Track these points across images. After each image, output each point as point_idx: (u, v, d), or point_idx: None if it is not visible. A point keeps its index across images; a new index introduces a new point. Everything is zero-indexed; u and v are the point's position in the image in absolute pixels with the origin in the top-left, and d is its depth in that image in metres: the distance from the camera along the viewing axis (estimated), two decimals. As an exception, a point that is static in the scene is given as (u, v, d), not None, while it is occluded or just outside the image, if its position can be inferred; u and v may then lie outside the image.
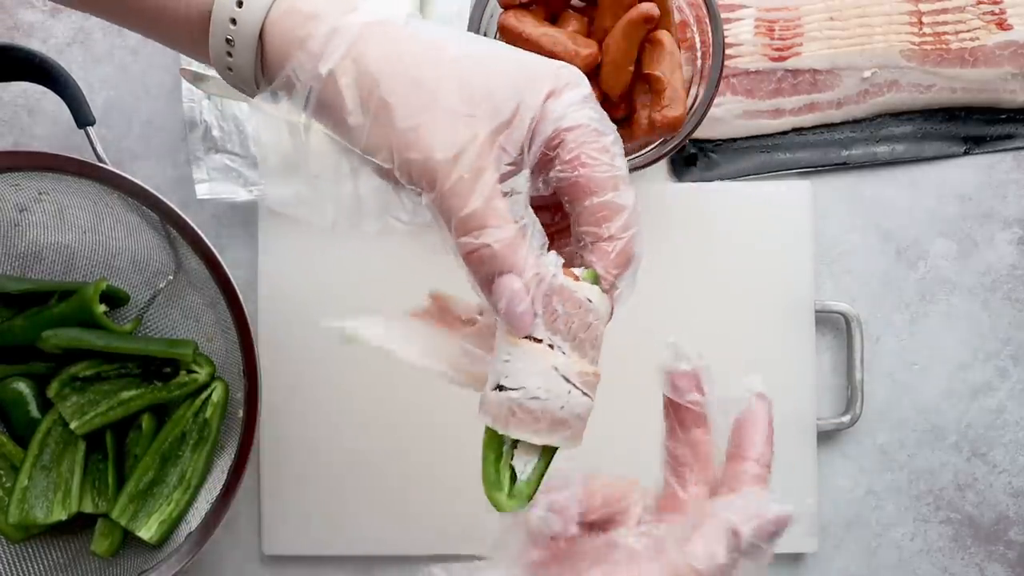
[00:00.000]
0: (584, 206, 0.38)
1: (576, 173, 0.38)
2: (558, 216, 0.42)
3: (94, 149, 0.58)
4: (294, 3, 0.38)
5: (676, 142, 0.57)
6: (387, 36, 0.38)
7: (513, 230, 0.37)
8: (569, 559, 0.36)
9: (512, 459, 0.37)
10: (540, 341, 0.36)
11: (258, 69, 0.40)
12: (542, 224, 0.41)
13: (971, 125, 0.65)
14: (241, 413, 0.58)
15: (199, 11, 0.39)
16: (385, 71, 0.37)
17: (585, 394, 0.37)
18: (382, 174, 0.40)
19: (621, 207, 0.38)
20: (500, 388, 0.37)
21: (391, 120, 0.37)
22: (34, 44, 0.63)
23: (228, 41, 0.39)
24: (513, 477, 0.37)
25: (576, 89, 0.39)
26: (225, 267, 0.57)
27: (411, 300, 0.62)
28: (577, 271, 0.38)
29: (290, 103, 0.40)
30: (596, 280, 0.38)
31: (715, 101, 0.58)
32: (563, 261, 0.38)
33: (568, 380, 0.36)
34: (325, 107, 0.39)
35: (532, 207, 0.41)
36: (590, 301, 0.37)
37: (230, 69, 0.40)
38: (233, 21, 0.39)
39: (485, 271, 0.37)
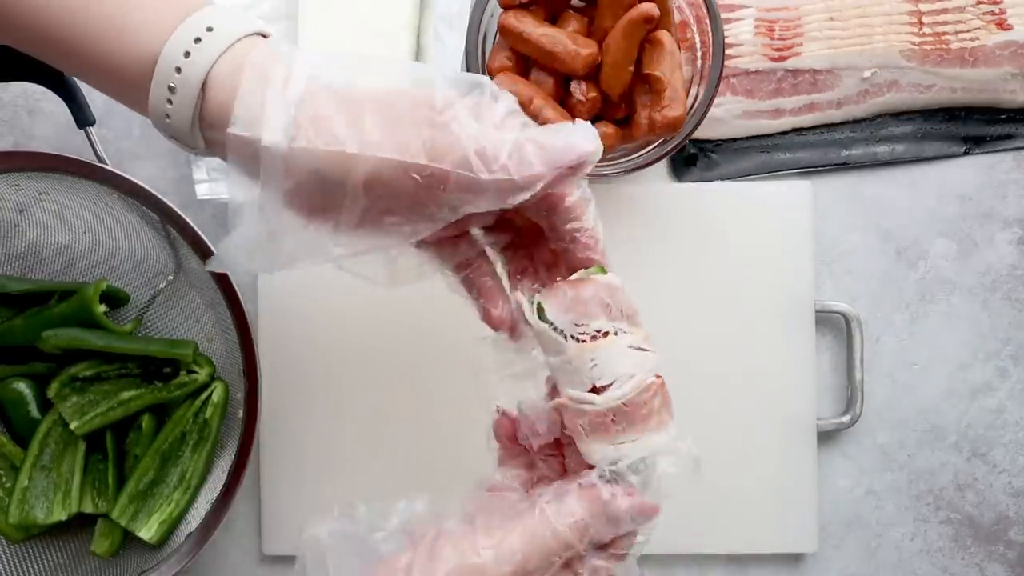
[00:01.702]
0: (566, 207, 0.42)
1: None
2: (510, 235, 0.46)
3: (94, 149, 0.58)
4: (238, 61, 0.39)
5: (676, 142, 0.57)
6: (332, 97, 0.39)
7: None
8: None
9: None
10: (607, 334, 0.41)
11: (196, 119, 0.40)
12: (498, 243, 0.46)
13: (971, 125, 0.65)
14: (241, 413, 0.58)
15: (143, 59, 0.40)
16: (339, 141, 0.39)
17: (652, 352, 0.42)
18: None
19: (589, 199, 0.43)
20: (595, 390, 0.41)
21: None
22: (34, 44, 0.63)
23: (170, 88, 0.40)
24: None
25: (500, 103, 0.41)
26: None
27: (410, 298, 0.62)
28: (579, 274, 0.43)
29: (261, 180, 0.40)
30: (604, 271, 0.42)
31: (715, 101, 0.58)
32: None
33: (642, 348, 0.42)
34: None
35: (488, 229, 0.46)
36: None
37: (168, 116, 0.40)
38: (178, 70, 0.39)
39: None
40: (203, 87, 0.39)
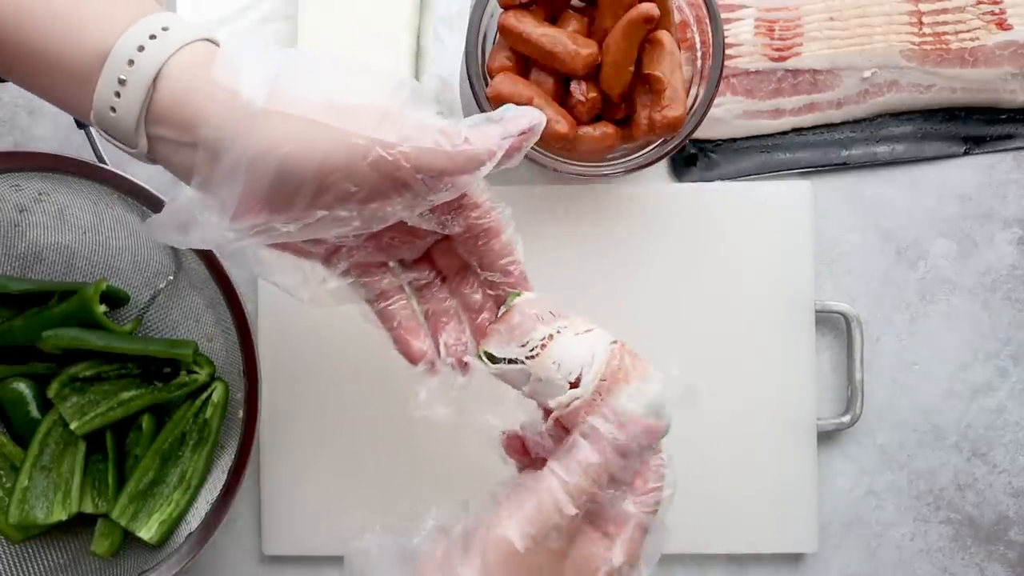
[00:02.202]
0: (502, 242, 0.46)
1: (490, 219, 0.45)
2: (429, 272, 0.48)
3: (94, 149, 0.58)
4: (193, 59, 0.40)
5: (676, 142, 0.57)
6: (293, 116, 0.40)
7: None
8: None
9: None
10: (552, 336, 0.45)
11: (143, 113, 0.40)
12: (417, 279, 0.48)
13: (971, 125, 0.65)
14: (241, 413, 0.58)
15: (93, 54, 0.40)
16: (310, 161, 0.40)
17: (596, 328, 0.46)
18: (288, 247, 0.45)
19: (518, 237, 0.47)
20: (572, 385, 0.44)
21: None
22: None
23: (120, 81, 0.40)
24: None
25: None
26: (225, 267, 0.57)
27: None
28: (501, 310, 0.47)
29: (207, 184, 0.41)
30: (518, 294, 0.47)
31: (715, 101, 0.58)
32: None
33: (587, 331, 0.45)
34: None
35: (407, 264, 0.48)
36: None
37: (113, 110, 0.40)
38: (131, 62, 0.39)
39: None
40: (154, 81, 0.40)
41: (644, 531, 0.43)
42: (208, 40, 0.41)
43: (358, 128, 0.40)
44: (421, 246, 0.48)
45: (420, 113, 0.42)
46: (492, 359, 0.45)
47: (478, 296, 0.48)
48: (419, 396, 0.47)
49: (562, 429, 0.45)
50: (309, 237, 0.42)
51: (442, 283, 0.49)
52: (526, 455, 0.47)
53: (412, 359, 0.47)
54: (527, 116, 0.43)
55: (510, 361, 0.45)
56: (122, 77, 0.40)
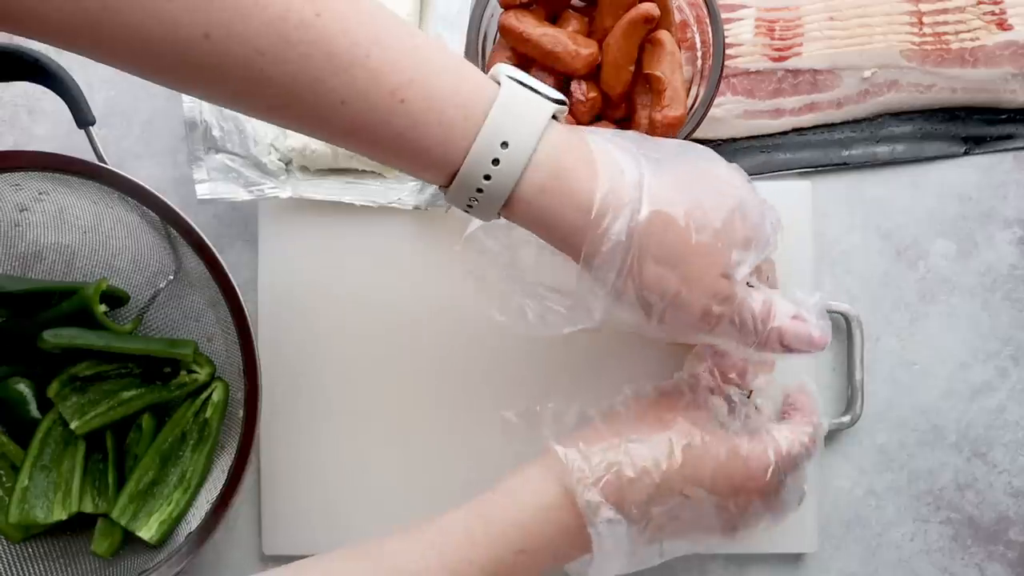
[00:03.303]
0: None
1: None
2: None
3: (94, 149, 0.58)
4: (552, 177, 0.42)
5: (676, 142, 0.57)
6: (663, 229, 0.44)
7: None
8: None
9: None
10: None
11: (499, 214, 0.44)
12: None
13: (971, 125, 0.65)
14: (241, 413, 0.58)
15: (451, 161, 0.42)
16: (660, 263, 0.44)
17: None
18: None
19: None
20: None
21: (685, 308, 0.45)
22: (34, 44, 0.63)
23: (470, 199, 0.42)
24: None
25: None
26: (225, 267, 0.57)
27: (410, 298, 0.62)
28: None
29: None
30: None
31: (715, 101, 0.58)
32: None
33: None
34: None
35: None
36: None
37: (469, 207, 0.43)
38: (480, 190, 0.42)
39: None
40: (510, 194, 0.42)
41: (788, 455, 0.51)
42: (555, 117, 0.43)
43: (686, 315, 0.45)
44: None
45: (745, 298, 0.47)
46: None
47: None
48: None
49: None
50: (671, 340, 0.49)
51: None
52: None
53: None
54: (816, 345, 0.49)
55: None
56: (472, 198, 0.42)
